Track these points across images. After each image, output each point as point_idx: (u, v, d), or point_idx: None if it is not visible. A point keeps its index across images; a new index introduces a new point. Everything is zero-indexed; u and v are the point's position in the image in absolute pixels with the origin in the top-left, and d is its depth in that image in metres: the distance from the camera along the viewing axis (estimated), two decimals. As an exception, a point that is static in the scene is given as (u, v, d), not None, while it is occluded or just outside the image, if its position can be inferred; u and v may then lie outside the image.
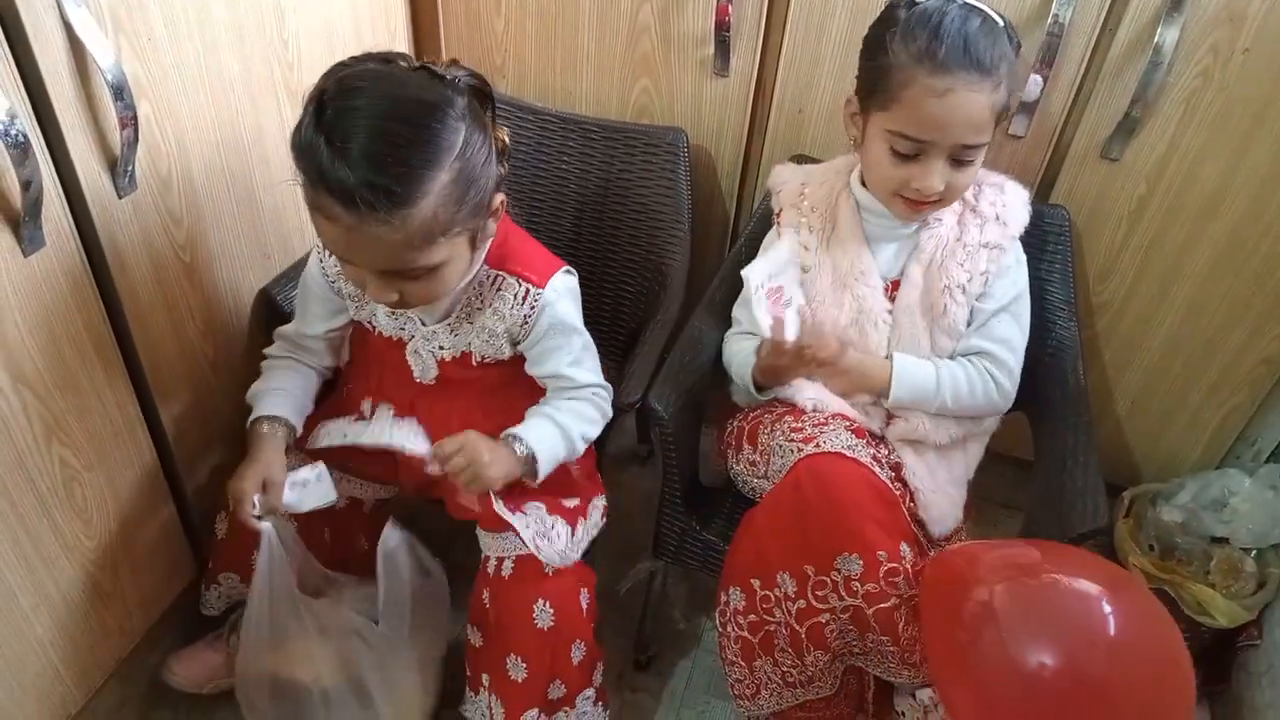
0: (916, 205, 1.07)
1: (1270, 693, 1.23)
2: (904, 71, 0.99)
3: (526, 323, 1.04)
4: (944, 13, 1.00)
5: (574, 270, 1.08)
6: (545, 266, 1.05)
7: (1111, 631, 0.88)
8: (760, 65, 1.33)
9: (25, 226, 0.86)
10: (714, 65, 1.34)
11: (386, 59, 0.89)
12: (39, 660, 1.02)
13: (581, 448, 1.09)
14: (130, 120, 0.92)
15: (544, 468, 1.05)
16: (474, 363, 1.07)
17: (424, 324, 1.06)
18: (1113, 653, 0.88)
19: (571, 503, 1.13)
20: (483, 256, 1.01)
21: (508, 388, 1.10)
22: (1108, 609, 0.89)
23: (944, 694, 0.98)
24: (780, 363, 1.11)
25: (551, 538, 1.07)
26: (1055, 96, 1.22)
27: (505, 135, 0.96)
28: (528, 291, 1.03)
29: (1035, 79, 1.19)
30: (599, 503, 1.17)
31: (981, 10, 1.01)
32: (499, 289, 1.03)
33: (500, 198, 0.95)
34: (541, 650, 1.08)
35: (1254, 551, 1.30)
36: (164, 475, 1.14)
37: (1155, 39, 1.13)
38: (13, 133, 0.80)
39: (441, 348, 1.06)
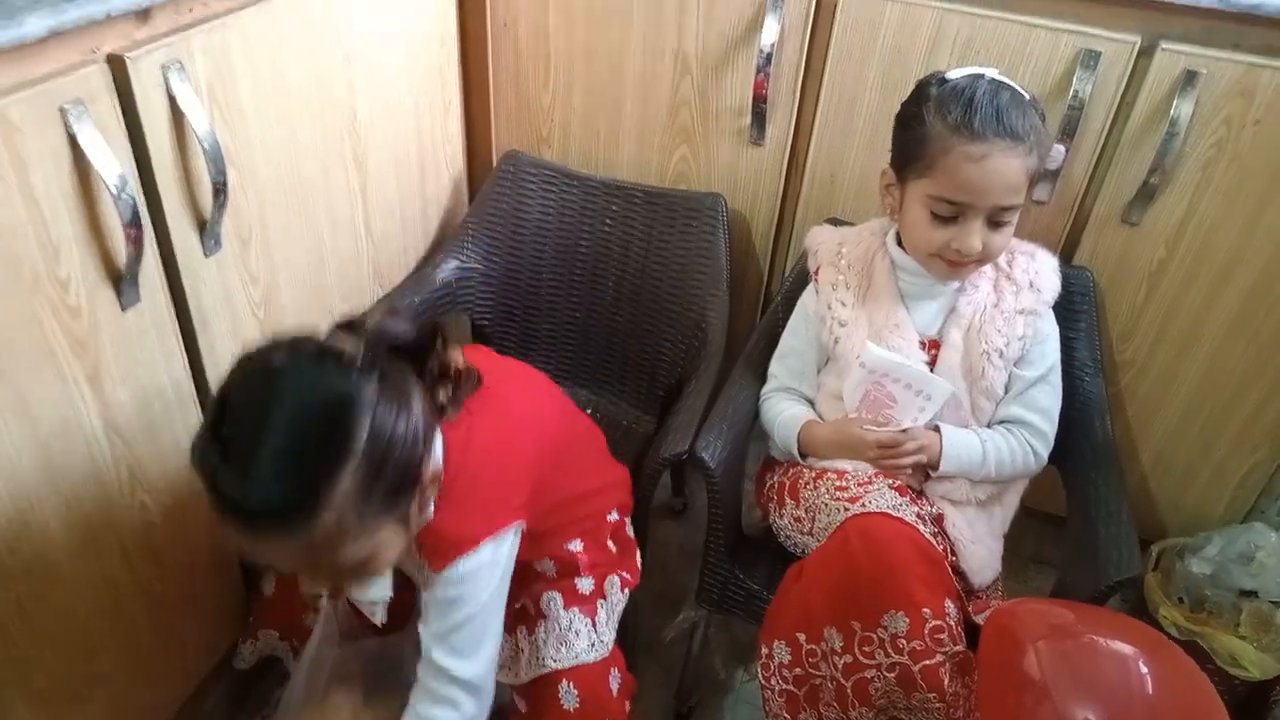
0: (956, 265, 1.13)
1: (1305, 745, 1.24)
2: (941, 140, 1.07)
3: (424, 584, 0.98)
4: (975, 87, 1.08)
5: (508, 536, 0.96)
6: (459, 540, 0.93)
7: (1148, 689, 0.92)
8: (794, 135, 1.41)
9: (125, 282, 0.92)
10: (750, 135, 1.42)
11: (294, 346, 0.82)
12: (108, 698, 1.06)
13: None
14: (221, 185, 0.98)
15: None
16: None
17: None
18: (1150, 710, 0.91)
19: (587, 585, 1.12)
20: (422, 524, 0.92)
21: None
22: (1144, 669, 0.93)
23: None
24: (860, 455, 1.16)
25: (570, 640, 1.08)
26: (1077, 165, 1.29)
27: (459, 361, 0.93)
28: (422, 566, 0.95)
29: (1058, 148, 1.26)
30: (616, 578, 1.16)
31: (1009, 85, 1.09)
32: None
33: (435, 471, 0.89)
34: None
35: (1282, 604, 1.33)
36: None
37: (1171, 112, 1.20)
38: (124, 197, 0.87)
39: None
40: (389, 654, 1.17)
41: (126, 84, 0.88)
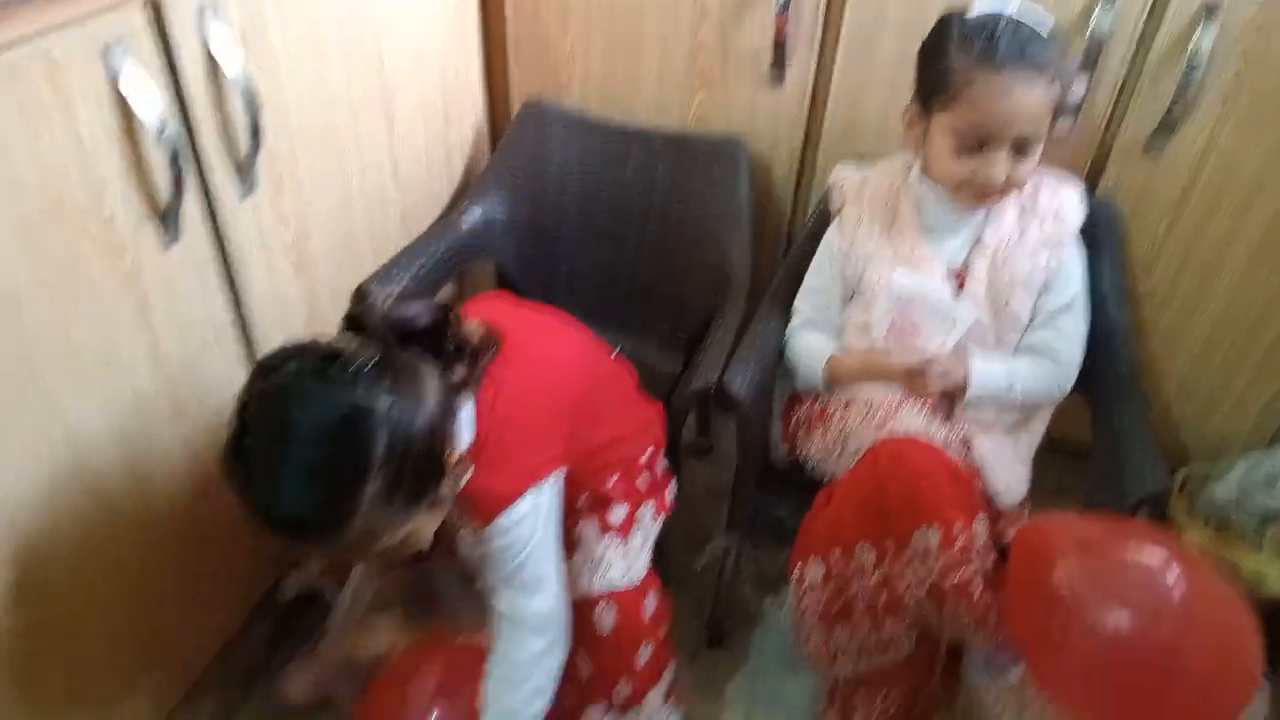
0: (981, 195, 1.15)
1: (1328, 663, 1.26)
2: (965, 73, 1.08)
3: (473, 544, 1.05)
4: (996, 21, 1.09)
5: (547, 485, 0.99)
6: (499, 497, 0.96)
7: (1176, 599, 0.93)
8: (815, 76, 1.42)
9: (166, 222, 0.94)
10: (770, 77, 1.42)
11: (303, 353, 0.84)
12: (166, 624, 1.10)
13: (529, 708, 1.02)
14: (255, 126, 1.01)
15: None
16: None
17: None
18: (1179, 619, 0.92)
19: (620, 514, 1.15)
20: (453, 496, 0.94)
21: None
22: (1172, 578, 0.94)
23: (1029, 661, 1.03)
24: (889, 381, 1.17)
25: (604, 566, 1.11)
26: (1099, 97, 1.30)
27: (476, 335, 0.95)
28: (467, 524, 1.01)
29: (1080, 80, 1.26)
30: (649, 506, 1.18)
31: (1030, 15, 1.09)
32: (463, 518, 1.02)
33: (458, 455, 0.91)
34: (605, 651, 1.10)
35: (1305, 528, 1.35)
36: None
37: (1191, 45, 1.20)
38: (165, 137, 0.89)
39: None
40: (426, 583, 1.21)
41: (164, 26, 0.90)
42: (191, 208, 0.98)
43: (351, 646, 1.19)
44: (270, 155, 1.07)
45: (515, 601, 1.00)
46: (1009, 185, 1.13)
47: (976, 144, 1.11)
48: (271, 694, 1.28)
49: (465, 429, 0.93)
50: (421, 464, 0.85)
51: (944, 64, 1.11)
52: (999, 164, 1.10)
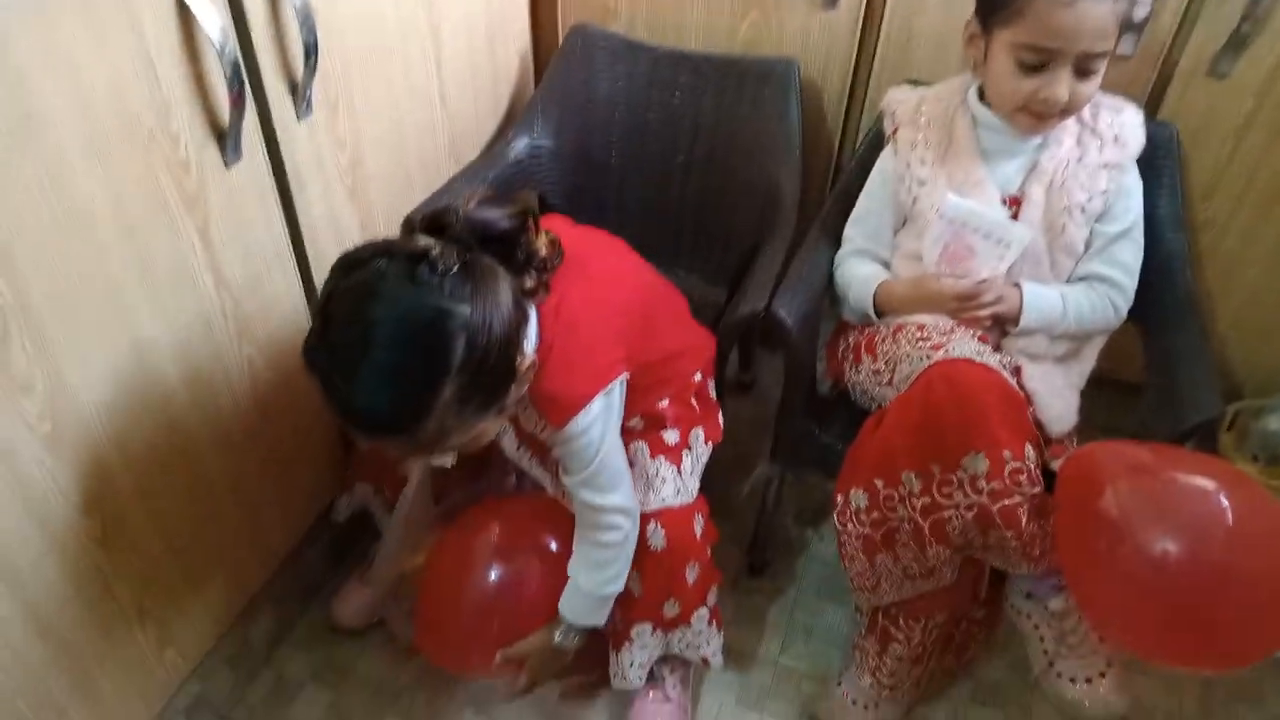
0: (1041, 118, 1.12)
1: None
2: None
3: (548, 439, 1.07)
4: None
5: (615, 388, 1.02)
6: (572, 403, 0.99)
7: (1230, 520, 0.93)
8: (869, -4, 1.39)
9: (229, 139, 0.96)
10: (823, -3, 1.39)
11: (391, 252, 0.85)
12: (228, 541, 1.15)
13: (608, 588, 1.09)
14: (313, 47, 1.01)
15: (583, 623, 1.10)
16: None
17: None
18: (1231, 540, 0.92)
19: (672, 437, 1.17)
20: (529, 378, 0.97)
21: None
22: (1224, 501, 0.94)
23: (1076, 587, 1.04)
24: (939, 309, 1.17)
25: (656, 485, 1.12)
26: (1164, 15, 1.25)
27: (545, 246, 0.97)
28: (545, 426, 1.04)
29: (1144, -2, 1.23)
30: (700, 430, 1.21)
31: None
32: (527, 410, 1.06)
33: (528, 360, 0.93)
34: (656, 569, 1.12)
35: (1357, 460, 1.33)
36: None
37: (1267, -47, 1.15)
38: (227, 53, 0.90)
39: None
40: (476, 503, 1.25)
41: (221, -57, 0.90)
42: (250, 128, 0.99)
43: (402, 565, 1.23)
44: (325, 77, 1.08)
45: (594, 499, 1.05)
46: (1070, 107, 1.10)
47: (1039, 62, 1.08)
48: (326, 615, 1.34)
49: (531, 335, 0.96)
50: (496, 369, 0.87)
51: None
52: (1062, 83, 1.08)
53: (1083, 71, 1.08)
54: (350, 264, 0.86)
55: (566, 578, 1.10)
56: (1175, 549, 0.91)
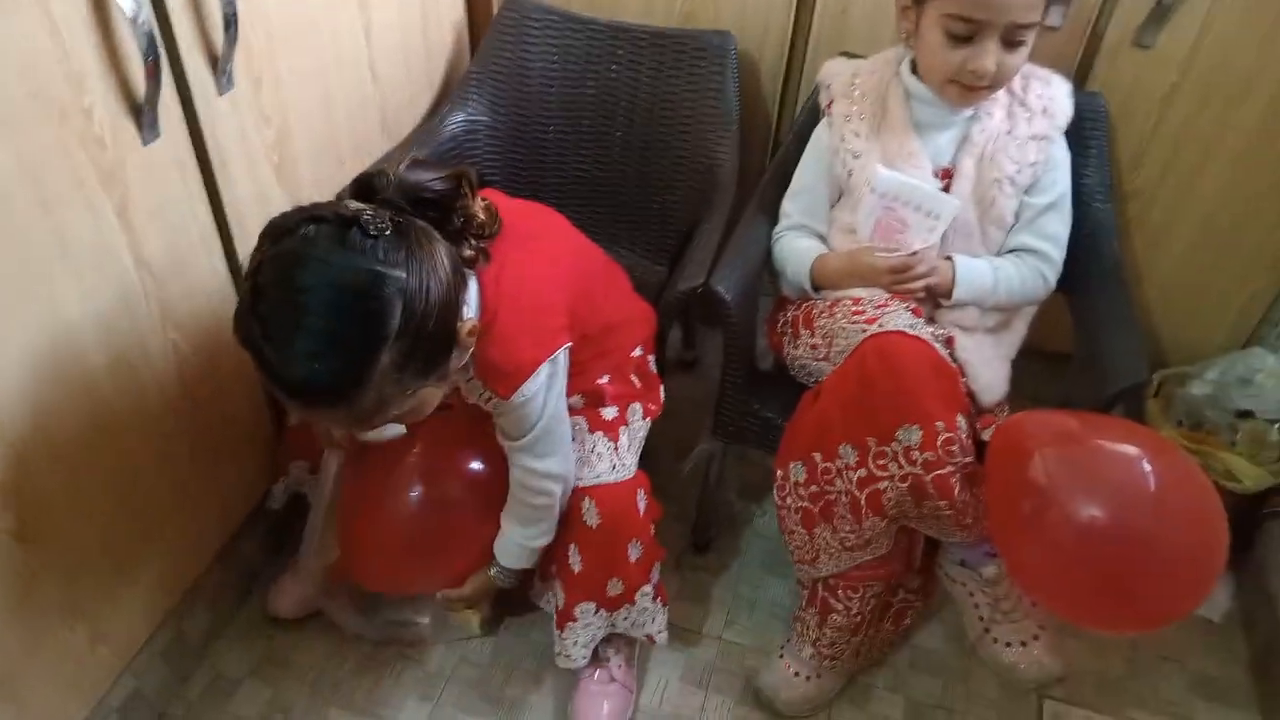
0: (971, 90, 1.13)
1: (1293, 552, 1.31)
2: None
3: (493, 409, 1.04)
4: None
5: (560, 356, 1.01)
6: (517, 372, 0.97)
7: (1153, 487, 0.96)
8: (804, -34, 1.39)
9: (145, 115, 0.92)
10: (759, -31, 1.39)
11: (320, 217, 0.82)
12: (160, 534, 1.11)
13: (535, 541, 1.11)
14: (232, 18, 0.98)
15: (514, 570, 1.15)
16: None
17: None
18: (1155, 506, 0.95)
19: (610, 412, 1.17)
20: (464, 359, 0.94)
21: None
22: (1148, 467, 0.97)
23: (1007, 554, 1.06)
24: (874, 282, 1.17)
25: (592, 461, 1.12)
26: (1090, -13, 1.28)
27: (482, 210, 0.95)
28: (491, 397, 1.00)
29: (1073, -31, 1.24)
30: (638, 406, 1.20)
31: None
32: (470, 381, 1.01)
33: (470, 324, 0.90)
34: (596, 546, 1.12)
35: (1278, 423, 1.38)
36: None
37: (1188, -73, 1.18)
38: (140, 21, 0.86)
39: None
40: None
41: (131, -92, 0.86)
42: (169, 103, 0.96)
43: (329, 557, 1.21)
44: (248, 50, 1.05)
45: (530, 463, 1.05)
46: (999, 79, 1.12)
47: (968, 33, 1.08)
48: (263, 606, 1.31)
49: (471, 303, 0.94)
50: (435, 335, 0.85)
51: None
52: (990, 54, 1.08)
53: (1010, 43, 1.09)
54: (278, 231, 0.82)
55: (491, 492, 1.11)
56: (1100, 515, 0.94)
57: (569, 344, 1.02)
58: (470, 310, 0.94)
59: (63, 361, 0.91)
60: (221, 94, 1.03)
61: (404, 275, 0.81)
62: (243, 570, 1.32)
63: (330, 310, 0.79)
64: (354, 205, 0.84)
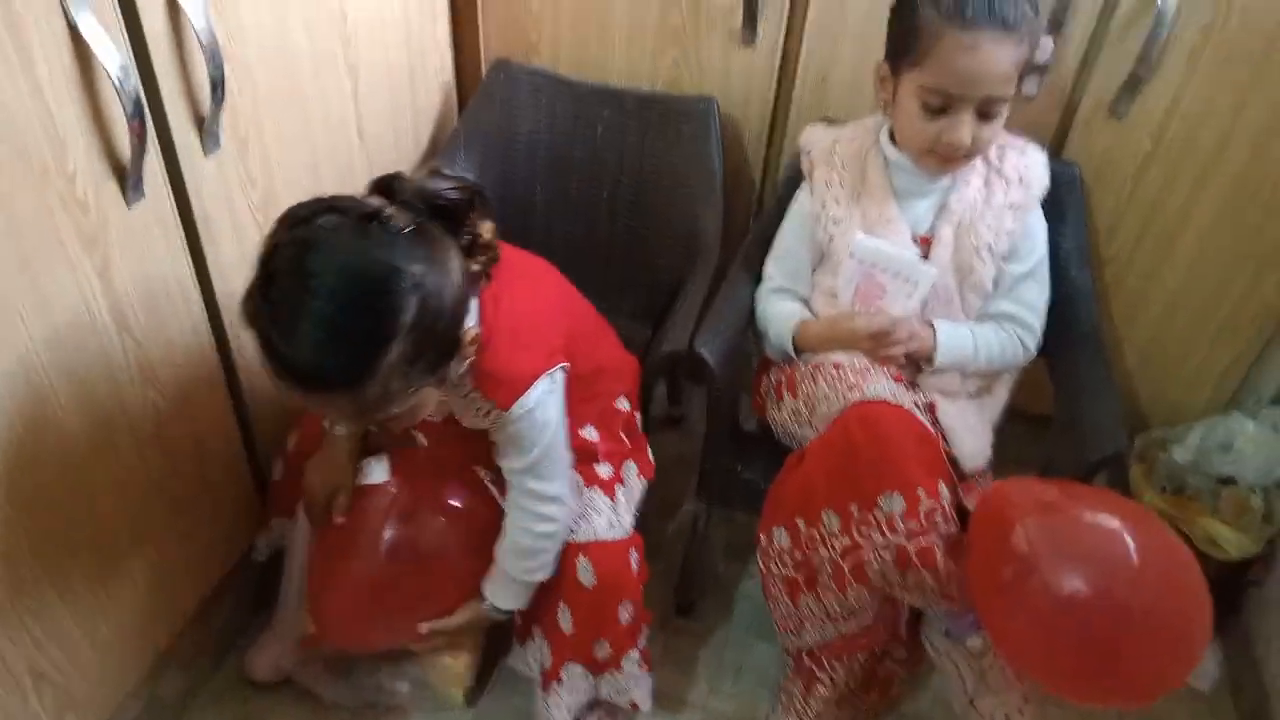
0: (947, 160, 1.15)
1: (1278, 622, 1.31)
2: (934, 29, 1.07)
3: (493, 426, 1.05)
4: None
5: (558, 374, 1.03)
6: (517, 381, 0.99)
7: (1133, 560, 0.95)
8: (786, 34, 1.41)
9: (130, 178, 0.92)
10: (742, 35, 1.41)
11: (341, 208, 0.83)
12: (133, 600, 1.09)
13: (534, 575, 1.10)
14: (219, 81, 0.98)
15: (513, 604, 1.13)
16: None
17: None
18: (1135, 579, 0.95)
19: (605, 470, 1.17)
20: (466, 363, 0.96)
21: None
22: (1129, 540, 0.97)
23: (990, 623, 1.05)
24: (854, 347, 1.17)
25: (589, 515, 1.12)
26: (1066, 58, 1.30)
27: (488, 231, 0.97)
28: (490, 410, 1.01)
29: (1047, 41, 1.27)
30: (632, 465, 1.21)
31: None
32: (468, 396, 1.02)
33: (473, 332, 0.92)
34: (587, 606, 1.11)
35: (1260, 489, 1.38)
36: (239, 427, 1.20)
37: (1158, 2, 1.21)
38: (126, 88, 0.87)
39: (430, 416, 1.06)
40: None
41: (124, -27, 0.87)
42: (154, 165, 0.96)
43: (304, 626, 1.19)
44: (234, 112, 1.05)
45: (536, 486, 1.05)
46: (974, 149, 1.14)
47: (943, 105, 1.11)
48: (240, 668, 1.28)
49: (472, 318, 0.95)
50: (444, 336, 0.87)
51: (913, 20, 1.10)
52: (965, 126, 1.11)
53: (984, 114, 1.11)
54: (296, 219, 0.83)
55: (471, 532, 1.10)
56: (1081, 587, 0.93)
57: (566, 365, 1.03)
58: (472, 321, 0.95)
59: (37, 420, 0.90)
60: (208, 155, 1.03)
61: (421, 271, 0.82)
62: (220, 630, 1.29)
63: (346, 299, 0.80)
64: (375, 200, 0.85)
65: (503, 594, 1.11)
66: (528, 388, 0.98)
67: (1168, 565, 0.98)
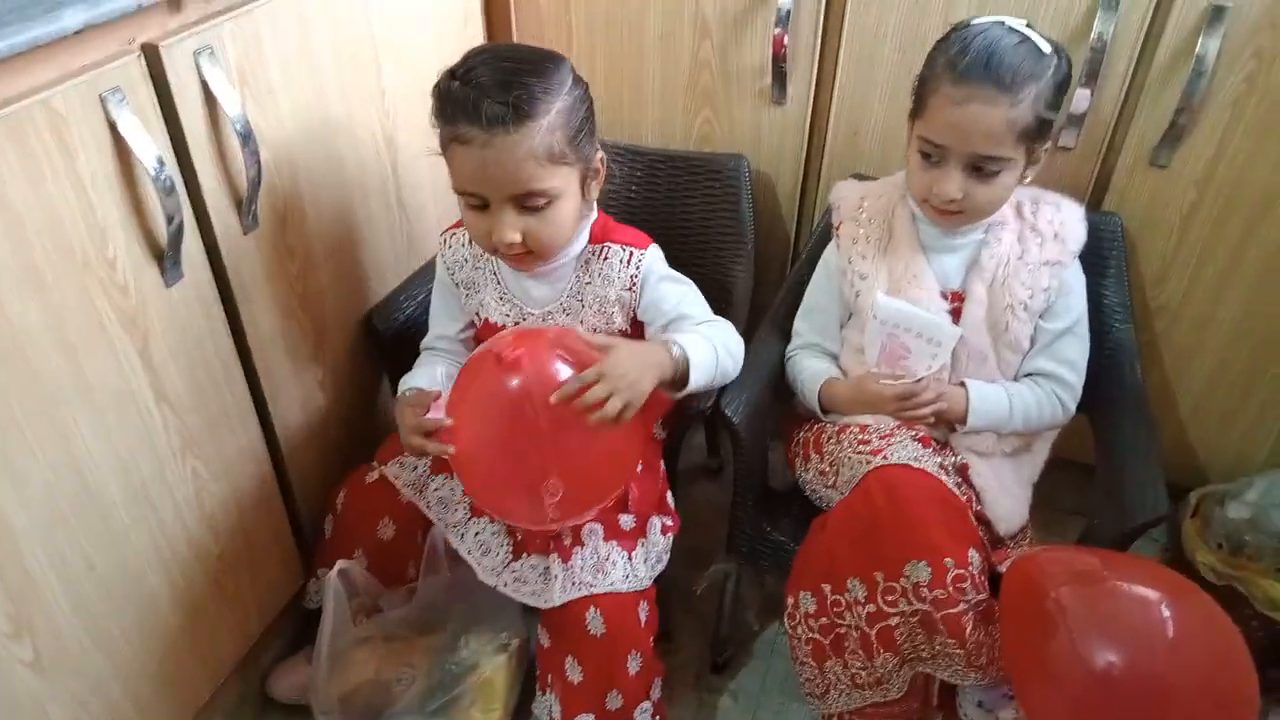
0: (941, 212, 1.14)
1: (1348, 686, 1.23)
2: (934, 81, 1.08)
3: (634, 285, 1.16)
4: (983, 31, 1.07)
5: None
6: (642, 238, 1.18)
7: (1170, 633, 0.93)
8: (815, 92, 1.42)
9: (168, 260, 0.97)
10: (772, 94, 1.42)
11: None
12: (174, 656, 1.13)
13: (731, 363, 1.13)
14: (255, 164, 1.03)
15: (695, 375, 1.07)
16: None
17: (533, 312, 1.17)
18: (1173, 653, 0.92)
19: (628, 522, 1.17)
20: (589, 217, 1.15)
21: None
22: (1167, 613, 0.94)
23: (1022, 695, 1.02)
24: (880, 410, 1.17)
25: (606, 568, 1.12)
26: (1103, 108, 1.28)
27: (600, 162, 1.12)
28: (631, 254, 1.16)
29: (1082, 93, 1.25)
30: (657, 521, 1.20)
31: (1023, 33, 1.07)
32: (605, 258, 1.16)
33: (601, 156, 1.10)
34: (597, 656, 1.11)
35: (1324, 548, 1.31)
36: (279, 487, 1.24)
37: (1197, 49, 1.18)
38: (162, 178, 0.92)
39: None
40: (409, 619, 1.24)
41: (161, 71, 0.93)
42: (192, 247, 1.01)
43: (334, 691, 1.22)
44: (272, 190, 1.10)
45: (707, 313, 1.18)
46: (969, 207, 1.12)
47: (935, 156, 1.11)
48: (262, 685, 1.32)
49: (584, 234, 1.16)
50: (587, 122, 1.07)
51: (925, 71, 1.12)
52: (951, 180, 1.10)
53: (981, 172, 1.10)
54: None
55: None
56: (1117, 660, 0.91)
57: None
58: (581, 239, 1.15)
59: (80, 495, 0.95)
60: (246, 233, 1.08)
61: (577, 78, 1.07)
62: (261, 682, 1.33)
63: (517, 59, 1.03)
64: None
65: (700, 350, 1.08)
66: (646, 245, 1.17)
67: (1208, 639, 0.95)
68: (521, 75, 1.01)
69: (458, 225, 1.23)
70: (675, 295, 1.17)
